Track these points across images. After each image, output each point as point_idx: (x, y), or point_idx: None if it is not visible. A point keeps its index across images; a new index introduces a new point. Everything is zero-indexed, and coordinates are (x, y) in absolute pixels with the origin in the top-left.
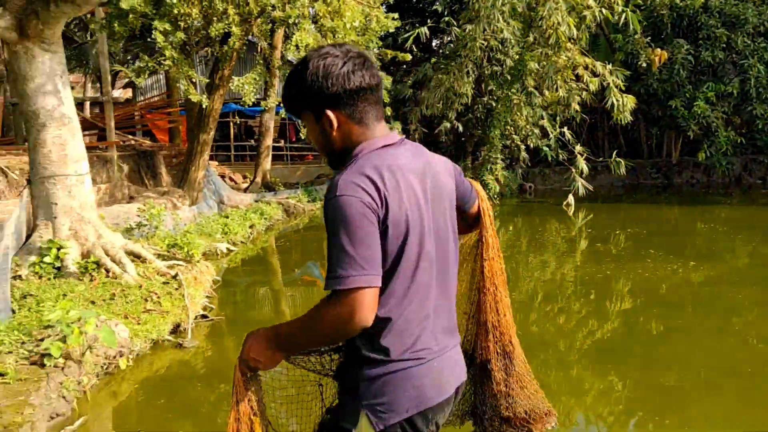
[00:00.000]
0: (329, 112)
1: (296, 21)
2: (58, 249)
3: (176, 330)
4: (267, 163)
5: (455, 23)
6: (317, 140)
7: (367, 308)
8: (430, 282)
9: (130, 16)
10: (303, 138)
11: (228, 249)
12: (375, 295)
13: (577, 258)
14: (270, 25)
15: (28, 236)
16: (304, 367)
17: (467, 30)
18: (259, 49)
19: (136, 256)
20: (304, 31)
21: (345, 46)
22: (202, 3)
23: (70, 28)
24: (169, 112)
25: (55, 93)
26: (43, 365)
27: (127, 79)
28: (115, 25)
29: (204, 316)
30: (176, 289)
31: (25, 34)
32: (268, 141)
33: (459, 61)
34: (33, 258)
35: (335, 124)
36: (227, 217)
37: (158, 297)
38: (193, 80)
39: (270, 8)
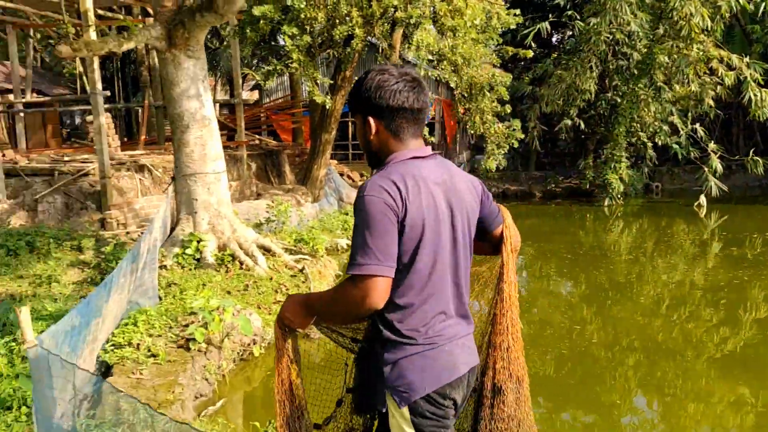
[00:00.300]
0: (371, 119)
1: (417, 21)
2: (198, 242)
3: None
4: None
5: (578, 17)
6: (360, 138)
7: (378, 294)
8: (444, 279)
9: (261, 22)
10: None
11: (347, 245)
12: (387, 284)
13: (709, 262)
14: (389, 26)
15: (172, 229)
16: (332, 339)
17: (591, 23)
18: (380, 50)
19: (266, 250)
20: (425, 30)
21: (405, 69)
22: (327, 7)
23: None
24: (292, 113)
25: (197, 96)
26: (188, 349)
27: (253, 82)
28: (248, 31)
29: None
30: (303, 282)
31: (173, 43)
32: None
33: (582, 56)
34: (176, 249)
35: (373, 130)
36: (347, 214)
37: (287, 289)
38: (318, 81)
39: (392, 9)
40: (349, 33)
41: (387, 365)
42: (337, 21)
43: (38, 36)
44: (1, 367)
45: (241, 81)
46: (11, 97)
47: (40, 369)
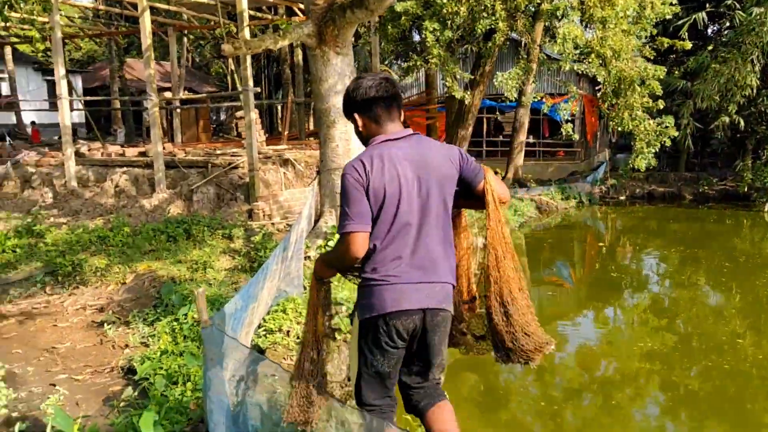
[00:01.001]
0: (356, 115)
1: (564, 12)
2: None
3: None
4: (519, 159)
5: (738, 6)
6: (357, 135)
7: (358, 245)
8: (406, 233)
9: (403, 18)
10: (562, 133)
11: (484, 243)
12: (363, 237)
13: None
14: (532, 19)
15: (316, 221)
16: (353, 281)
17: (754, 14)
18: (522, 44)
19: None
20: (572, 23)
21: (377, 74)
22: (470, 1)
23: None
24: (427, 108)
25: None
26: (334, 338)
27: None
28: (388, 27)
29: None
30: None
31: (323, 40)
32: (522, 137)
33: (742, 49)
34: (319, 241)
35: (360, 124)
36: None
37: None
38: (457, 77)
39: (537, 1)
40: (491, 27)
41: (359, 290)
42: (481, 15)
43: (191, 38)
44: (166, 344)
45: None
46: (168, 94)
47: (213, 347)
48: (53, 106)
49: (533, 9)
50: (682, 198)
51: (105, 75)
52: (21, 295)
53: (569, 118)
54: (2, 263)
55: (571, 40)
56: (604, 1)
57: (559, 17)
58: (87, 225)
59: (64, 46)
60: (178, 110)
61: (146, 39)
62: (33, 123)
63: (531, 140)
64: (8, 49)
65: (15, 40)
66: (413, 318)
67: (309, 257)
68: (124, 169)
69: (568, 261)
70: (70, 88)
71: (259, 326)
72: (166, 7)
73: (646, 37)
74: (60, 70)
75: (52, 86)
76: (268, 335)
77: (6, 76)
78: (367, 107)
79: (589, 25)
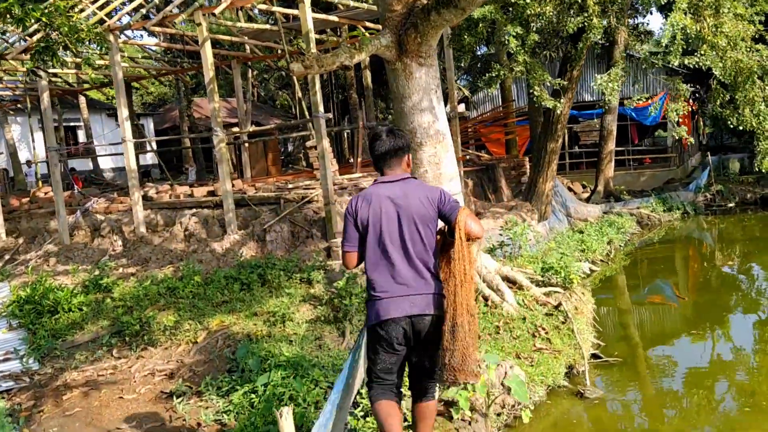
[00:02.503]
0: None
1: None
2: None
3: (569, 373)
4: (609, 170)
5: None
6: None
7: (348, 260)
8: (389, 257)
9: (480, 25)
10: (654, 138)
11: (591, 269)
12: (353, 256)
13: None
14: (625, 13)
15: None
16: None
17: None
18: (619, 42)
19: (511, 282)
20: (680, 11)
21: (386, 132)
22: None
23: None
24: (505, 123)
25: (430, 109)
26: (450, 417)
27: (458, 95)
28: (465, 36)
29: (596, 356)
30: (562, 322)
31: (404, 50)
32: (611, 145)
33: None
34: None
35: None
36: (581, 233)
37: (546, 332)
38: (547, 84)
39: None
40: (582, 25)
41: (365, 302)
42: (570, 12)
43: (255, 72)
44: (243, 426)
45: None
46: (236, 129)
47: None
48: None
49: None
50: None
51: (175, 116)
52: (87, 360)
53: (679, 119)
54: (69, 324)
55: (679, 31)
56: None
57: (665, 6)
58: (156, 275)
59: (129, 88)
60: (246, 145)
61: (208, 72)
62: (72, 170)
63: (619, 148)
64: (83, 98)
65: (86, 86)
66: (401, 324)
67: None
68: (193, 210)
69: (680, 280)
70: (139, 131)
71: (355, 404)
72: (227, 38)
73: (760, 21)
74: (123, 112)
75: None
76: (367, 418)
77: (82, 123)
78: (375, 160)
79: (697, 13)
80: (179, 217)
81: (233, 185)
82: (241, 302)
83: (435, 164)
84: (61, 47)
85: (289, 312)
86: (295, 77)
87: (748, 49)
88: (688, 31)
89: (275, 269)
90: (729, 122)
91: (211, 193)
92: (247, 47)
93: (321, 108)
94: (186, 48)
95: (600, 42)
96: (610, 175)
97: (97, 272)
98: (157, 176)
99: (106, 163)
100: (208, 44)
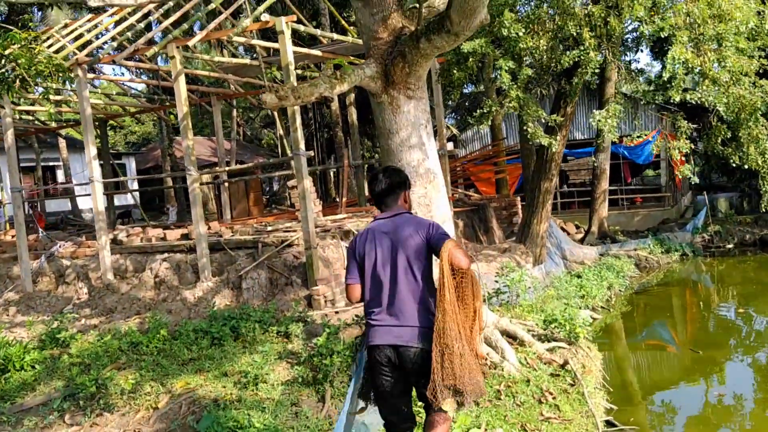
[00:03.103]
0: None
1: (671, 33)
2: None
3: None
4: (603, 210)
5: None
6: None
7: (350, 292)
8: (381, 288)
9: (470, 59)
10: (645, 177)
11: (593, 316)
12: (355, 288)
13: None
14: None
15: None
16: None
17: None
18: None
19: (510, 337)
20: (680, 45)
21: (386, 173)
22: (549, 33)
23: None
24: (495, 162)
25: (420, 146)
26: None
27: (446, 133)
28: (454, 71)
29: (610, 423)
30: (571, 384)
31: (390, 81)
32: (604, 184)
33: None
34: None
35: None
36: (579, 277)
37: (554, 397)
38: (542, 120)
39: (636, 23)
40: (576, 60)
41: None
42: (564, 47)
43: (240, 111)
44: None
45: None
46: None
47: None
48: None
49: (632, 34)
50: None
51: (157, 155)
52: (37, 427)
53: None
54: (19, 384)
55: (681, 65)
56: (715, 17)
57: (665, 39)
58: (119, 328)
59: (104, 126)
60: (226, 184)
61: (182, 106)
62: (33, 207)
63: (612, 187)
64: (61, 139)
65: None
66: (385, 351)
67: None
68: (165, 255)
69: (690, 330)
70: (114, 171)
71: None
72: (205, 74)
73: (763, 56)
74: (90, 150)
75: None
76: None
77: (61, 163)
78: (374, 198)
79: (698, 47)
80: (150, 262)
81: (209, 227)
82: (210, 360)
83: (425, 206)
84: (18, 81)
85: (263, 372)
86: (275, 113)
87: (752, 84)
88: (690, 65)
89: (250, 321)
90: (731, 161)
91: (185, 237)
92: (232, 85)
93: (302, 145)
94: (163, 84)
95: (593, 78)
96: (604, 215)
97: (55, 324)
98: (138, 216)
99: (85, 204)
100: (182, 78)
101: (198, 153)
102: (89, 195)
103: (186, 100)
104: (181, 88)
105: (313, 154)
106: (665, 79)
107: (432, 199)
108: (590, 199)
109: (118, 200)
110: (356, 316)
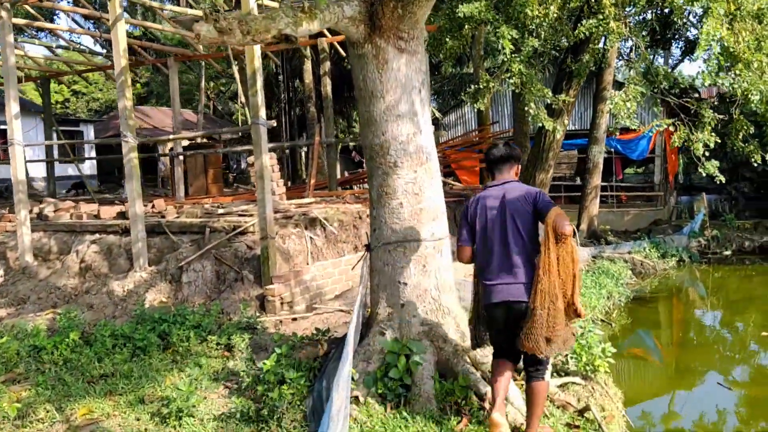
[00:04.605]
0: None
1: (705, 5)
2: (408, 357)
3: None
4: (594, 208)
5: None
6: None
7: (462, 254)
8: (492, 248)
9: (466, 27)
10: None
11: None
12: (466, 250)
13: None
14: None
15: (365, 331)
16: None
17: None
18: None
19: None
20: (715, 18)
21: (503, 144)
22: None
23: None
24: (480, 149)
25: (411, 116)
26: None
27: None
28: (447, 39)
29: None
30: None
31: (377, 26)
32: (596, 180)
33: None
34: (372, 367)
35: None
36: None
37: None
38: (549, 101)
39: None
40: (590, 31)
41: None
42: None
43: (211, 86)
44: None
45: None
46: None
47: None
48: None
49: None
50: None
51: (118, 124)
52: None
53: (646, 156)
54: None
55: (716, 45)
56: None
57: (699, 14)
58: (25, 325)
59: (48, 85)
60: (181, 158)
61: (120, 59)
62: None
63: (603, 183)
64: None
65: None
66: (500, 307)
67: (357, 400)
68: (96, 236)
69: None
70: (58, 136)
71: None
72: (156, 27)
73: None
74: (12, 108)
75: (68, 137)
76: None
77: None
78: (489, 164)
79: (732, 23)
80: (77, 243)
81: (153, 206)
82: (127, 379)
83: (414, 194)
84: None
85: (191, 403)
86: (237, 76)
87: None
88: (726, 44)
89: (185, 326)
90: (753, 160)
91: (122, 215)
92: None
93: (262, 112)
94: (106, 36)
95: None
96: (595, 213)
97: None
98: (95, 188)
99: (37, 172)
100: (120, 25)
101: (163, 124)
102: (41, 161)
103: (125, 51)
104: (120, 36)
105: (275, 124)
106: (699, 58)
107: (422, 187)
108: (580, 195)
109: (73, 170)
110: (317, 329)
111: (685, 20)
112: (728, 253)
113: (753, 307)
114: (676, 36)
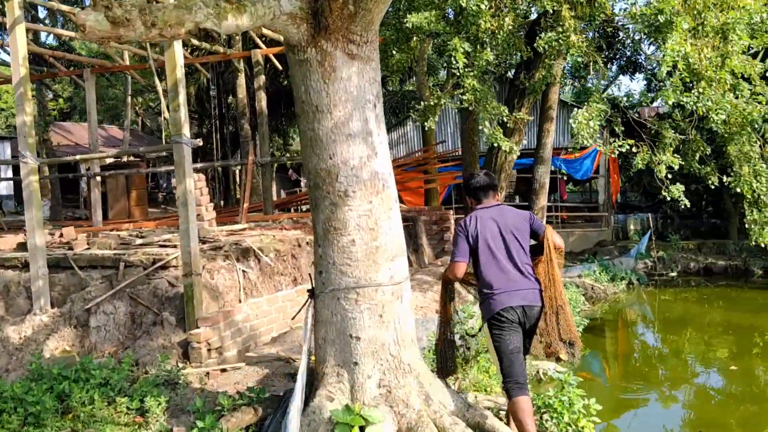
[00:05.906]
0: (468, 198)
1: (668, 19)
2: (362, 428)
3: None
4: None
5: None
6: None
7: (457, 270)
8: (497, 261)
9: (414, 39)
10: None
11: (557, 370)
12: (462, 265)
13: None
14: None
15: (310, 393)
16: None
17: None
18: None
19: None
20: (680, 33)
21: (483, 173)
22: (518, 9)
23: None
24: (425, 170)
25: (365, 135)
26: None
27: None
28: (393, 52)
29: None
30: None
31: (322, 27)
32: (543, 200)
33: None
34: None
35: (470, 203)
36: None
37: None
38: (504, 120)
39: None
40: (549, 45)
41: (480, 303)
42: (530, 31)
43: (140, 101)
44: None
45: None
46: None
47: None
48: None
49: (618, 16)
50: (750, 273)
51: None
52: None
53: (589, 177)
54: None
55: (682, 60)
56: (721, 3)
57: (659, 28)
58: None
59: None
60: (99, 178)
61: (18, 67)
62: None
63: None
64: None
65: None
66: (517, 311)
67: None
68: None
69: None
70: None
71: None
72: (64, 32)
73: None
74: None
75: None
76: None
77: None
78: (474, 191)
79: (696, 38)
80: None
81: (62, 234)
82: None
83: (368, 230)
84: None
85: None
86: (160, 89)
87: (749, 92)
88: (691, 60)
89: (90, 385)
90: (709, 182)
91: (23, 246)
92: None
93: (185, 129)
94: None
95: (559, 77)
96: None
97: None
98: (12, 210)
99: None
100: (20, 28)
101: (85, 141)
102: None
103: (25, 59)
104: (19, 42)
105: (200, 143)
106: (662, 76)
107: (379, 220)
108: None
109: None
110: (249, 388)
111: (629, 38)
112: (674, 274)
113: (704, 330)
114: (617, 55)
